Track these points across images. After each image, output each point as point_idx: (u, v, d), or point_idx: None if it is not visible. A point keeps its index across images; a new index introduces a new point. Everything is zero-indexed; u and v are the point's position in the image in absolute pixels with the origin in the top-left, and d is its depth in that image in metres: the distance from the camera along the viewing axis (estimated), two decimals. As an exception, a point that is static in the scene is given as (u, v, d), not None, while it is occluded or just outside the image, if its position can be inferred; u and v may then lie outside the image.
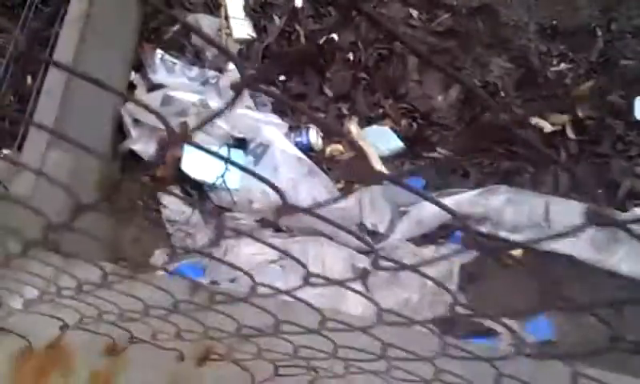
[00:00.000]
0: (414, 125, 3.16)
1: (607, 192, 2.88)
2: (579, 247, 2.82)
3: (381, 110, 3.26)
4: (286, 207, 0.64)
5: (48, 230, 0.94)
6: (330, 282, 0.84)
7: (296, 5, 3.75)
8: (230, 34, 3.67)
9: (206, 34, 3.67)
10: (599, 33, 3.09)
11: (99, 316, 1.38)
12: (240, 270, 0.91)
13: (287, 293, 0.92)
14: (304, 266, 0.84)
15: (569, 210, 2.86)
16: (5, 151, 2.46)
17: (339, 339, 1.05)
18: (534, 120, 2.99)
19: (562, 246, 2.84)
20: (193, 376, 1.62)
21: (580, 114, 3.00)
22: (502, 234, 2.89)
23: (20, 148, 2.36)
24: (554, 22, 3.15)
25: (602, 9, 3.19)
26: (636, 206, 2.84)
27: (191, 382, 1.58)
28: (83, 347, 1.62)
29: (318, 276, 0.84)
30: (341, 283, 0.88)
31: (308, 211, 0.67)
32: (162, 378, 1.64)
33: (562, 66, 3.09)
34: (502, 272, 2.84)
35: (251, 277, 0.90)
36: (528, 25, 3.16)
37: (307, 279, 0.83)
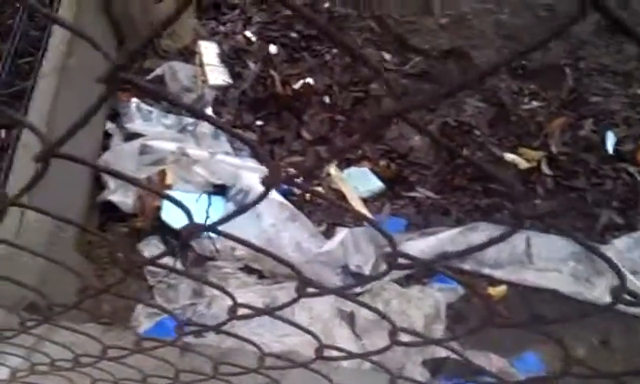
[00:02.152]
0: (393, 165, 3.18)
1: (585, 225, 2.93)
2: (562, 281, 2.85)
3: (359, 152, 3.28)
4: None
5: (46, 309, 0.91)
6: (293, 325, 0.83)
7: (270, 51, 3.80)
8: (205, 81, 3.68)
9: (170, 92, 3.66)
10: (568, 71, 3.18)
11: None
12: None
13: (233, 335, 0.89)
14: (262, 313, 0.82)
15: (550, 244, 2.90)
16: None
17: None
18: (509, 157, 3.05)
19: (546, 281, 2.87)
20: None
21: (554, 150, 3.07)
22: (485, 270, 2.90)
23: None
24: (524, 62, 3.23)
25: (569, 49, 3.30)
26: (614, 237, 2.89)
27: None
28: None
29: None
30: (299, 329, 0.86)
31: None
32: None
33: (534, 103, 3.17)
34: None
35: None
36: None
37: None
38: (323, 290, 0.72)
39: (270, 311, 0.78)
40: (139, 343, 0.95)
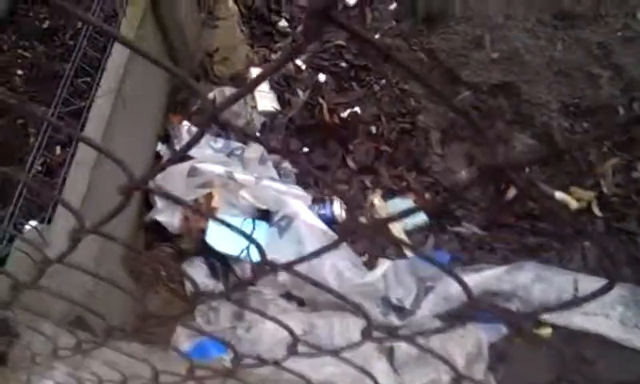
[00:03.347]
0: (438, 198, 3.15)
1: (634, 269, 2.83)
2: (609, 326, 2.76)
3: (404, 183, 3.26)
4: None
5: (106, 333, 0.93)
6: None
7: (319, 79, 3.84)
8: (254, 107, 3.74)
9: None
10: (621, 111, 3.11)
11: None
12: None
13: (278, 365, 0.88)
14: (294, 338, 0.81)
15: (597, 288, 2.81)
16: (33, 223, 2.46)
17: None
18: (559, 196, 2.98)
19: (592, 325, 2.78)
20: None
21: (605, 191, 2.99)
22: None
23: (50, 221, 2.37)
24: (576, 100, 3.18)
25: (622, 88, 3.22)
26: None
27: None
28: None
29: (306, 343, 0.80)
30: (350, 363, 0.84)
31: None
32: None
33: (587, 142, 3.10)
34: (531, 351, 2.77)
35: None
36: (550, 103, 3.19)
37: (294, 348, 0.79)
38: (391, 336, 0.71)
39: (332, 352, 0.77)
40: (191, 369, 0.96)
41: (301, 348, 0.83)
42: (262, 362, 0.83)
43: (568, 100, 3.20)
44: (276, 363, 0.79)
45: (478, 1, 3.68)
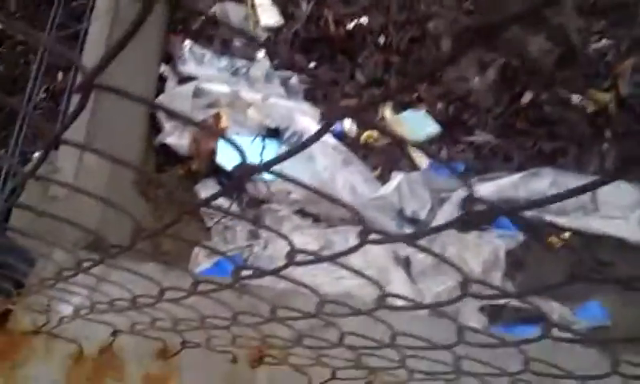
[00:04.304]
0: (451, 108, 3.07)
1: (656, 171, 2.78)
2: (629, 229, 2.74)
3: (415, 95, 3.17)
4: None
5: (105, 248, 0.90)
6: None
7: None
8: (257, 22, 3.61)
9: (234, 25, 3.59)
10: (640, 8, 2.98)
11: (152, 323, 1.34)
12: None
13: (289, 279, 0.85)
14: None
15: (616, 191, 2.77)
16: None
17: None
18: (576, 99, 2.89)
19: (612, 229, 2.75)
20: (247, 378, 1.59)
21: (623, 92, 2.89)
22: (548, 217, 2.80)
23: (57, 146, 2.33)
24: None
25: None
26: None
27: (245, 384, 1.55)
28: (135, 352, 1.59)
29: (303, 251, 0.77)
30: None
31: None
32: (215, 379, 1.61)
33: (603, 42, 2.98)
34: (548, 257, 2.77)
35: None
36: (565, 2, 3.05)
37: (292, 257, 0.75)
38: (387, 238, 0.67)
39: (329, 258, 0.74)
40: (196, 285, 0.93)
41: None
42: (262, 273, 0.80)
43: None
44: (274, 272, 0.75)
45: None
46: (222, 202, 2.77)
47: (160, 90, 3.11)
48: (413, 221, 2.84)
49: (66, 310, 1.51)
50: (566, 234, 2.75)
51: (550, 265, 2.74)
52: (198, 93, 3.04)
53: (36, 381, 1.53)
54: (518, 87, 2.95)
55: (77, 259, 1.01)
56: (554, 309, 2.58)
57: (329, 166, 2.80)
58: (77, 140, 0.61)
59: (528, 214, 2.82)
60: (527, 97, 2.91)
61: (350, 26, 3.44)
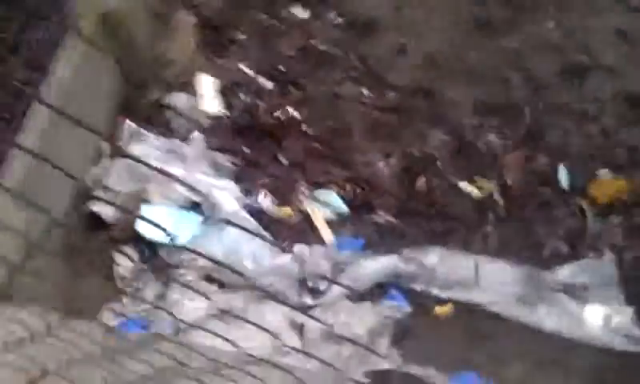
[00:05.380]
0: (357, 190, 3.41)
1: (532, 253, 3.08)
2: (505, 304, 2.99)
3: (330, 178, 3.52)
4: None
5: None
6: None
7: (261, 84, 4.12)
8: (202, 110, 4.02)
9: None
10: (527, 109, 3.37)
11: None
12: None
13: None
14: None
15: (497, 270, 3.06)
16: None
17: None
18: (464, 186, 3.24)
19: (490, 304, 3.01)
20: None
21: (508, 182, 3.24)
22: (434, 291, 3.07)
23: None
24: (487, 101, 3.44)
25: (532, 86, 3.48)
26: (558, 266, 3.03)
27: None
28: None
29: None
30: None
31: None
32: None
33: (493, 137, 3.36)
34: (434, 327, 3.02)
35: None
36: (463, 103, 3.46)
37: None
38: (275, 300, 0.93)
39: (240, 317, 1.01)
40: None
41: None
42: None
43: (479, 100, 3.47)
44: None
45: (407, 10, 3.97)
46: (135, 265, 3.06)
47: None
48: (312, 290, 3.10)
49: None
50: (450, 306, 3.01)
51: (435, 335, 2.99)
52: (130, 168, 3.39)
53: None
54: (414, 173, 3.31)
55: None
56: (431, 376, 2.81)
57: (237, 237, 3.10)
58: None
59: (416, 287, 3.09)
60: (421, 181, 3.26)
61: (280, 115, 3.85)
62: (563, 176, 3.24)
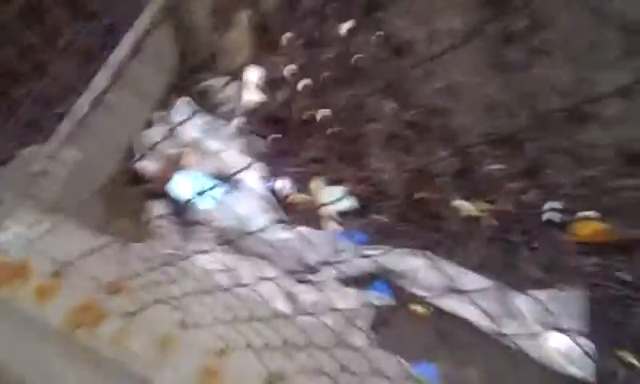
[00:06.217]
0: (368, 190, 3.82)
1: (509, 274, 3.42)
2: (475, 313, 3.34)
3: (345, 176, 3.94)
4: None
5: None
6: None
7: (301, 83, 4.57)
8: (243, 98, 4.51)
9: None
10: (527, 146, 3.71)
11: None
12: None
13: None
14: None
15: (474, 282, 3.41)
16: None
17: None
18: (459, 203, 3.60)
19: (462, 311, 3.36)
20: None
21: (500, 207, 3.58)
22: (415, 290, 3.44)
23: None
24: (495, 131, 3.80)
25: (539, 127, 3.82)
26: (531, 290, 3.35)
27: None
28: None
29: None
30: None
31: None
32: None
33: (495, 166, 3.71)
34: (410, 322, 3.39)
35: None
36: (473, 129, 3.83)
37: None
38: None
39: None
40: None
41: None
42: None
43: (488, 129, 3.83)
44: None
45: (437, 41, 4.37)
46: (163, 216, 3.55)
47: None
48: (311, 268, 3.52)
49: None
50: (426, 306, 3.38)
51: (409, 328, 3.36)
52: (173, 136, 3.90)
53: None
54: (418, 185, 3.69)
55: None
56: (400, 361, 3.18)
57: (251, 210, 3.55)
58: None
59: (401, 284, 3.48)
60: (422, 193, 3.64)
61: (311, 114, 4.29)
62: (551, 211, 3.56)
